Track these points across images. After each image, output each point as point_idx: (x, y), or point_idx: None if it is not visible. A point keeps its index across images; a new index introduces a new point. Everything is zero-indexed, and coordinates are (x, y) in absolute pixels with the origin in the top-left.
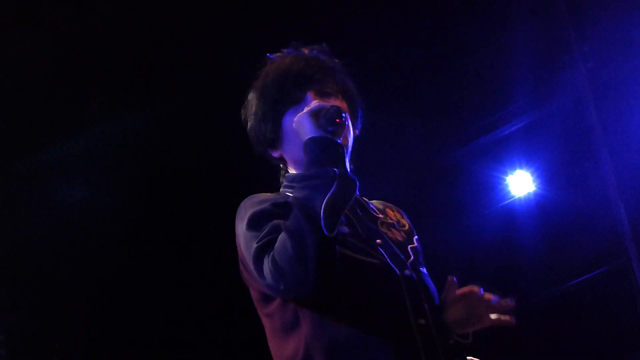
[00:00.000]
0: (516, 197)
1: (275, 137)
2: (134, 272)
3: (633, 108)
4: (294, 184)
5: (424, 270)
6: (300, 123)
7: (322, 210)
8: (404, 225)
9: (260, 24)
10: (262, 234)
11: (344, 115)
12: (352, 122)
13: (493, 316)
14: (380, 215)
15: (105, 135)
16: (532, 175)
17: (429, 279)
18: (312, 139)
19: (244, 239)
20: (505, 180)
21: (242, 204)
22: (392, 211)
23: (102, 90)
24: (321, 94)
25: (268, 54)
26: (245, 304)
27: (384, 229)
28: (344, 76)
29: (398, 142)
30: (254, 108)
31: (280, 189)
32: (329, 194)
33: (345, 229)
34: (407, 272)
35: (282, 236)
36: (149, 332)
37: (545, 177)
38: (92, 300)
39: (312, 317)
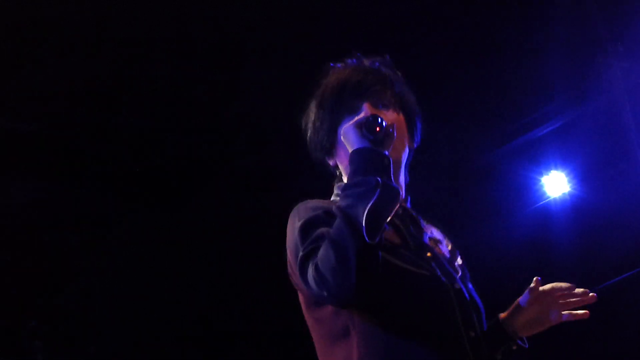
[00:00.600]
0: (551, 198)
1: (332, 146)
2: (165, 276)
3: None
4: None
5: (471, 286)
6: (346, 134)
7: (364, 218)
8: (448, 244)
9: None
10: (308, 242)
11: (384, 124)
12: (408, 134)
13: (565, 313)
14: (429, 231)
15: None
16: (567, 176)
17: (476, 294)
18: (356, 150)
19: (294, 245)
20: (540, 181)
21: (295, 209)
22: (437, 229)
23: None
24: (377, 105)
25: (331, 63)
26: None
27: (431, 244)
28: (404, 88)
29: (433, 144)
30: (312, 117)
31: (332, 197)
32: (371, 202)
33: (397, 240)
34: (456, 285)
35: (325, 244)
36: (185, 335)
37: (581, 177)
38: (129, 306)
39: (362, 326)
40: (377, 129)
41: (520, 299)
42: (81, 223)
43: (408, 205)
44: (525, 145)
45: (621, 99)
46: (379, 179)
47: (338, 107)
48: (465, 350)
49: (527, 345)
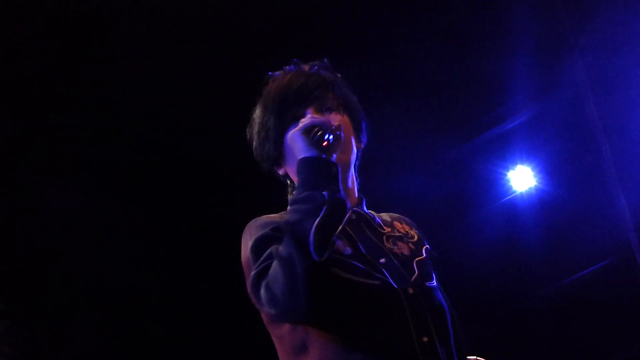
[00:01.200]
0: (517, 192)
1: (279, 155)
2: (141, 280)
3: (632, 100)
4: None
5: (433, 284)
6: (293, 141)
7: (311, 236)
8: (412, 237)
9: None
10: (259, 261)
11: (330, 131)
12: (355, 135)
13: None
14: (387, 229)
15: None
16: (533, 170)
17: (437, 293)
18: (303, 160)
19: (247, 265)
20: (506, 175)
21: (246, 228)
22: (400, 223)
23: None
24: (321, 110)
25: (269, 72)
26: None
27: (389, 244)
28: (345, 90)
29: (398, 140)
30: (257, 127)
31: (288, 207)
32: (318, 219)
33: (348, 250)
34: (410, 290)
35: (274, 263)
36: (158, 342)
37: (547, 171)
38: (100, 312)
39: (318, 341)
40: (327, 138)
41: None
42: (62, 223)
43: (363, 207)
44: (491, 141)
45: (585, 93)
46: (326, 194)
47: (282, 115)
48: (416, 356)
49: None
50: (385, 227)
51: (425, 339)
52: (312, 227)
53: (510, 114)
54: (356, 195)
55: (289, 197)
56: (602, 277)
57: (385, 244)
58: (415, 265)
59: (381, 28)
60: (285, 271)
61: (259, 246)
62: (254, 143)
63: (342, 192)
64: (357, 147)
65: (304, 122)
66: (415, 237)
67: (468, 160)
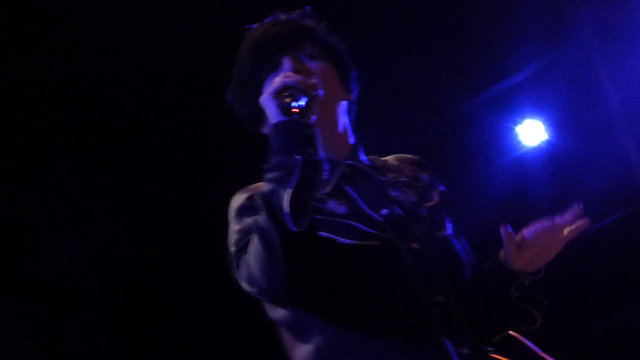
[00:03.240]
0: (527, 146)
1: (259, 112)
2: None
3: (637, 48)
4: None
5: (445, 232)
6: (265, 106)
7: (285, 204)
8: (422, 180)
9: None
10: (237, 236)
11: (302, 93)
12: (341, 84)
13: (565, 233)
14: (391, 175)
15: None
16: (542, 123)
17: (450, 243)
18: (274, 125)
19: (230, 241)
20: (515, 130)
21: (232, 199)
22: (411, 165)
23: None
24: (300, 57)
25: (246, 25)
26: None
27: (394, 192)
28: (328, 37)
29: (403, 95)
30: (234, 84)
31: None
32: (292, 185)
33: (343, 209)
34: (414, 245)
35: (252, 237)
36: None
37: (556, 124)
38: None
39: (319, 320)
40: (293, 108)
41: (504, 256)
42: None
43: (360, 157)
44: (498, 95)
45: (591, 42)
46: (299, 158)
47: (258, 67)
48: (430, 318)
49: (543, 274)
50: (389, 173)
51: (441, 299)
52: (287, 193)
53: (516, 68)
54: (350, 145)
55: None
56: (615, 230)
57: (390, 191)
58: (423, 213)
59: None
60: (262, 246)
61: (237, 219)
62: (234, 102)
63: (320, 153)
64: (345, 98)
65: (273, 84)
66: (427, 180)
67: (476, 116)
